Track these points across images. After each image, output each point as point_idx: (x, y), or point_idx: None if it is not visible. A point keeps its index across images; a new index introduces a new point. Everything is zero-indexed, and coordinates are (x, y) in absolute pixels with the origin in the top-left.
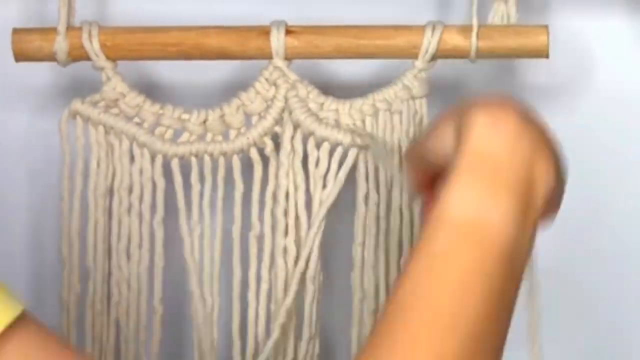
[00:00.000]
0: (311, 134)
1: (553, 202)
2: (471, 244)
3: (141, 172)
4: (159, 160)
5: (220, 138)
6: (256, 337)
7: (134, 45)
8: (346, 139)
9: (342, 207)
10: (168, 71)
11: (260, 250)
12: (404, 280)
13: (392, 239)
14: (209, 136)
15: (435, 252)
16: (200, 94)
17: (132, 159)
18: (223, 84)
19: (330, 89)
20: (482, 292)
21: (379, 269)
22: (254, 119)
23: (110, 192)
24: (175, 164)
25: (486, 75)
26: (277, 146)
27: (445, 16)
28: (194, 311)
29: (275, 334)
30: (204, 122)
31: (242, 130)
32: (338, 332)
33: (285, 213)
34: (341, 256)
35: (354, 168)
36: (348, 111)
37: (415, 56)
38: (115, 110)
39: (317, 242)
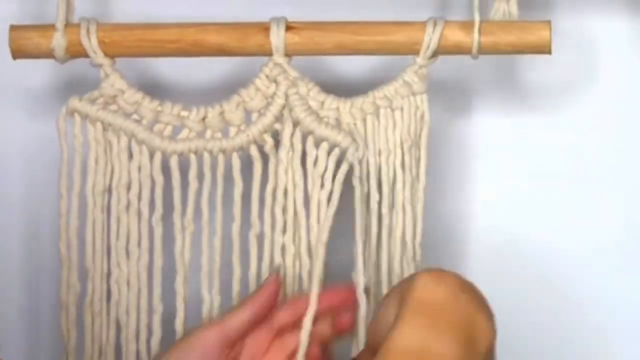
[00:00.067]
0: (310, 132)
1: None
2: None
3: (140, 169)
4: (157, 157)
5: (219, 135)
6: None
7: (133, 42)
8: (346, 140)
9: (342, 207)
10: (167, 68)
11: (260, 248)
12: None
13: (393, 238)
14: (208, 133)
15: None
16: (199, 90)
17: (130, 156)
18: (222, 80)
19: (330, 85)
20: None
21: (379, 269)
22: (254, 116)
23: (109, 190)
24: (174, 161)
25: (488, 72)
26: (277, 143)
27: (446, 13)
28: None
29: None
30: (204, 119)
31: (242, 127)
32: None
33: (284, 210)
34: (341, 256)
35: (351, 168)
36: (349, 110)
37: (416, 52)
38: (113, 107)
39: (322, 244)
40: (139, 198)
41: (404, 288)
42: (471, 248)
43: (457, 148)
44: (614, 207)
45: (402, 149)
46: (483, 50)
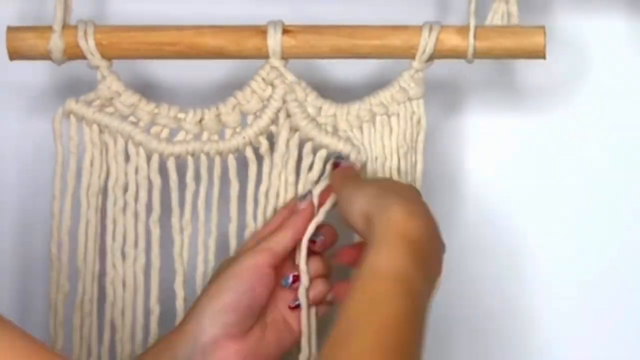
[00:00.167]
0: (310, 139)
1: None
2: (401, 291)
3: (137, 170)
4: (155, 159)
5: (216, 137)
6: None
7: (130, 44)
8: (346, 147)
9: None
10: (164, 70)
11: None
12: (343, 321)
13: None
14: (205, 135)
15: (373, 295)
16: (196, 93)
17: (127, 158)
18: (219, 83)
19: (326, 88)
20: (410, 329)
21: None
22: (250, 118)
23: (104, 191)
24: (171, 163)
25: (482, 72)
26: (272, 145)
27: (443, 17)
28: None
29: None
30: (200, 121)
31: (238, 129)
32: None
33: (276, 212)
34: None
35: None
36: (345, 117)
37: (412, 56)
38: (110, 109)
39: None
40: (136, 200)
41: (376, 211)
42: (466, 249)
43: (449, 147)
44: (610, 208)
45: (398, 154)
46: (478, 55)
